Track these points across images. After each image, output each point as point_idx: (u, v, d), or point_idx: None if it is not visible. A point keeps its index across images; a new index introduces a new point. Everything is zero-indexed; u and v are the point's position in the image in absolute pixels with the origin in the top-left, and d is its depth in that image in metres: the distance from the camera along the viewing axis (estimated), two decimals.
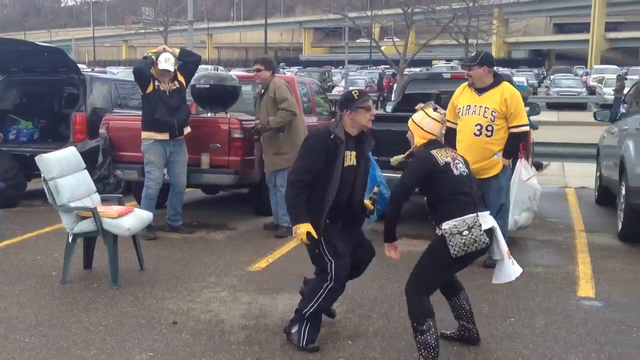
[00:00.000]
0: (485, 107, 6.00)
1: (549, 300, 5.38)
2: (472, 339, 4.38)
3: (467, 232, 3.92)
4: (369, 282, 5.76)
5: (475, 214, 4.01)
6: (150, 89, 7.10)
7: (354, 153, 4.36)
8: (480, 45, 58.51)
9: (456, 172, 4.09)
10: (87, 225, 5.62)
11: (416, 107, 4.38)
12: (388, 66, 35.25)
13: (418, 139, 4.26)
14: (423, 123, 4.23)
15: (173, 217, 7.48)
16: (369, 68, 49.92)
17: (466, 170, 4.17)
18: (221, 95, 8.04)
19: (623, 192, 7.21)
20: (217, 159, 7.66)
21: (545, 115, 25.94)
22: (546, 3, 78.00)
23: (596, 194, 9.57)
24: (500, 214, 6.06)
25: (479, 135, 6.01)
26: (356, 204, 4.43)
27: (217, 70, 25.20)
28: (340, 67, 40.43)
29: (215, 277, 5.90)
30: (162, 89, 7.13)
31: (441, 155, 4.12)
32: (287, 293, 5.44)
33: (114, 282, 5.57)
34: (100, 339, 4.48)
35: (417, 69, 34.97)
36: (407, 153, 4.59)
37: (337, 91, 32.90)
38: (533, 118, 11.83)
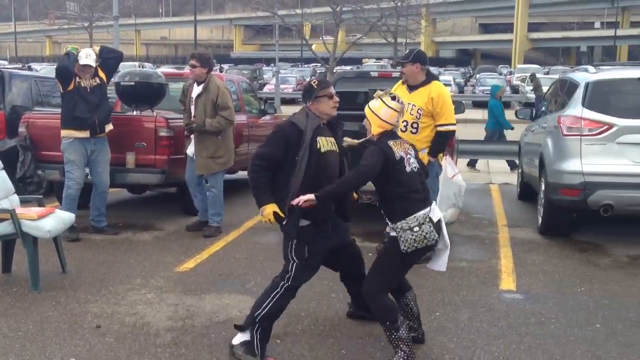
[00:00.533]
0: (413, 105, 6.10)
1: (473, 294, 5.52)
2: (417, 339, 4.38)
3: (417, 228, 3.96)
4: None
5: (427, 210, 4.05)
6: (71, 86, 6.90)
7: (331, 139, 4.30)
8: (409, 44, 59.54)
9: (408, 169, 4.10)
10: (5, 228, 5.41)
11: (374, 95, 4.31)
12: (319, 64, 35.40)
13: (375, 128, 4.17)
14: (381, 112, 4.15)
15: (97, 218, 7.29)
16: (300, 66, 50.01)
17: (417, 165, 4.18)
18: (147, 93, 7.88)
19: (543, 187, 7.46)
20: (143, 158, 7.51)
21: (472, 114, 26.59)
22: (471, 3, 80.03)
23: (518, 189, 9.88)
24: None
25: (404, 132, 6.11)
26: (349, 194, 4.40)
27: (143, 67, 24.72)
28: (272, 64, 40.29)
29: (141, 278, 5.79)
30: (82, 85, 6.93)
31: (397, 149, 4.10)
32: (215, 293, 5.39)
33: (34, 286, 5.38)
34: (20, 345, 4.33)
35: (348, 67, 35.22)
36: (362, 140, 4.49)
37: (268, 89, 32.81)
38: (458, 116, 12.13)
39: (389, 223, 4.13)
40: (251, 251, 6.69)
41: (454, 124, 6.29)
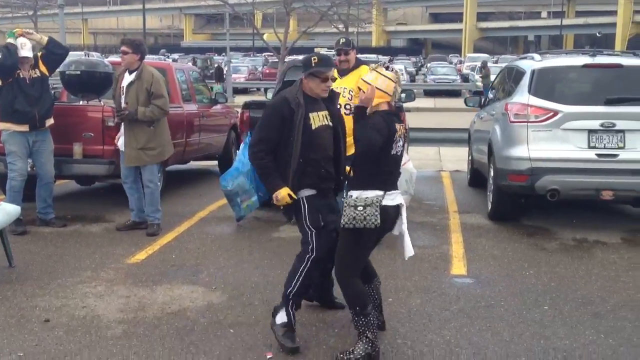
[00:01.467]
0: (344, 87, 6.17)
1: (425, 279, 5.59)
2: (378, 326, 4.30)
3: (361, 207, 3.92)
4: (251, 269, 5.76)
5: (381, 193, 3.99)
6: (10, 78, 6.68)
7: (324, 113, 4.27)
8: (360, 34, 59.71)
9: (392, 152, 4.05)
10: None
11: (369, 68, 4.28)
12: (271, 54, 35.26)
13: (375, 99, 4.03)
14: (378, 82, 4.04)
15: (44, 210, 7.12)
16: (252, 55, 49.65)
17: (400, 149, 4.12)
18: (93, 82, 7.69)
19: (492, 174, 7.59)
20: (90, 148, 7.36)
21: (423, 102, 26.90)
22: None
23: (469, 176, 10.03)
24: None
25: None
26: (343, 166, 4.39)
27: (88, 56, 24.16)
28: (223, 54, 39.91)
29: (91, 271, 5.68)
30: (21, 76, 6.71)
31: (399, 134, 4.05)
32: (167, 285, 5.33)
33: None
34: None
35: (300, 57, 35.19)
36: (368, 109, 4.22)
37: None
38: (409, 105, 12.23)
39: (345, 187, 4.09)
40: (204, 241, 6.63)
41: None
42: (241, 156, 7.13)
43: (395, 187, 4.16)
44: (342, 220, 3.97)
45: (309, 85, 4.23)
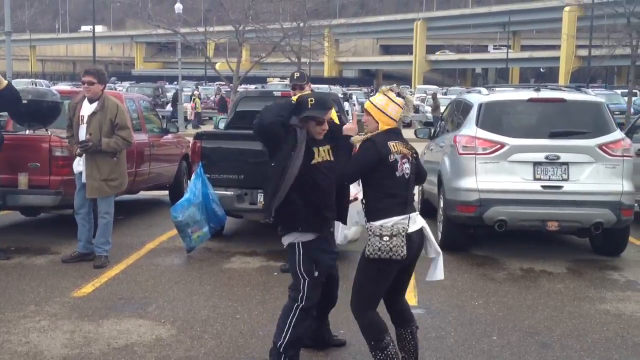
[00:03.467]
0: None
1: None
2: None
3: (387, 238, 3.83)
4: (201, 301, 5.67)
5: (406, 217, 3.92)
6: None
7: (326, 147, 4.17)
8: (312, 64, 60.22)
9: (398, 174, 3.97)
10: None
11: (380, 89, 4.16)
12: (224, 83, 35.26)
13: (382, 125, 3.98)
14: (388, 109, 3.99)
15: None
16: (204, 84, 49.50)
17: (409, 171, 4.02)
18: (40, 112, 7.54)
19: (441, 204, 7.70)
20: (36, 178, 7.19)
21: None
22: (372, 26, 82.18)
23: (419, 207, 10.13)
24: None
25: None
26: (347, 203, 4.33)
27: (36, 85, 23.73)
28: (175, 82, 39.73)
29: (34, 305, 5.51)
30: None
31: (395, 150, 3.95)
32: (114, 318, 5.21)
33: None
34: None
35: (253, 86, 35.19)
36: (366, 136, 4.14)
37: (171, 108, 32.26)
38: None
39: (365, 219, 3.99)
40: (153, 273, 6.51)
41: None
42: (192, 186, 7.06)
43: (413, 210, 4.05)
44: (366, 250, 3.88)
45: (306, 126, 4.12)
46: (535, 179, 6.99)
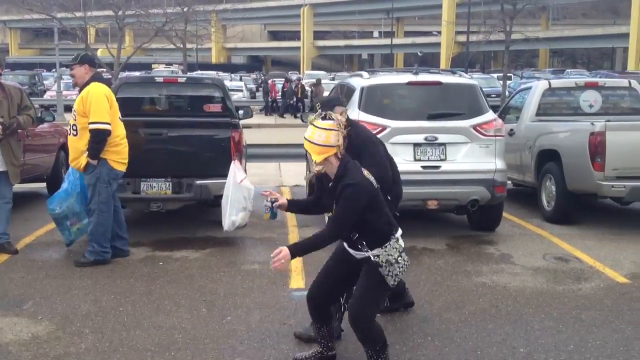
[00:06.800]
0: (74, 108, 6.23)
1: (264, 295, 5.62)
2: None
3: (401, 259, 3.86)
4: (81, 295, 5.48)
5: (397, 234, 3.92)
6: None
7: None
8: (200, 50, 59.21)
9: (381, 196, 3.90)
10: None
11: (308, 119, 3.93)
12: (104, 70, 33.95)
13: (317, 156, 3.80)
14: (315, 138, 3.76)
15: None
16: None
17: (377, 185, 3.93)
18: None
19: None
20: None
21: (264, 119, 27.21)
22: (259, 11, 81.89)
23: (307, 190, 10.22)
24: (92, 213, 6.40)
25: (69, 134, 6.39)
26: None
27: None
28: (53, 70, 37.87)
29: None
30: None
31: (369, 176, 3.84)
32: None
33: None
34: None
35: (137, 73, 34.17)
36: (315, 173, 4.02)
37: (50, 95, 30.74)
38: (249, 121, 12.28)
39: (368, 250, 3.85)
40: (29, 269, 6.20)
41: (102, 122, 6.17)
42: (70, 177, 6.77)
43: (397, 226, 4.01)
44: (391, 282, 3.84)
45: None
46: (415, 159, 7.22)
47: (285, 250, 3.74)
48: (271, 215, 4.15)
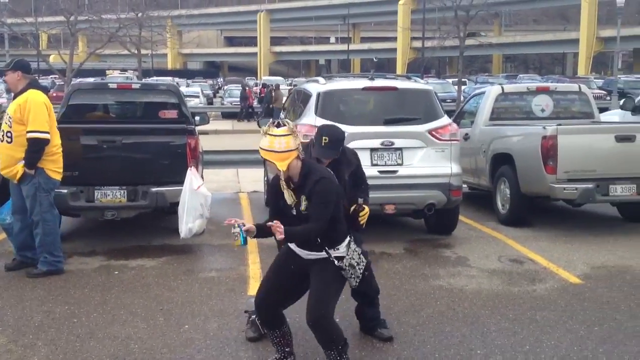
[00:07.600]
0: (8, 114, 6.12)
1: (222, 302, 5.57)
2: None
3: (359, 260, 4.01)
4: (34, 307, 5.35)
5: (351, 236, 4.09)
6: None
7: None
8: (155, 56, 58.61)
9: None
10: None
11: (262, 131, 3.96)
12: (57, 76, 33.31)
13: (281, 164, 3.87)
14: (275, 146, 3.85)
15: None
16: (38, 78, 46.57)
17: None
18: None
19: None
20: None
21: (221, 124, 27.01)
22: (215, 17, 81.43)
23: (265, 196, 10.19)
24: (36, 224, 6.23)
25: (2, 141, 6.15)
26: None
27: None
28: (2, 77, 37.08)
29: None
30: None
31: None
32: None
33: None
34: None
35: (91, 79, 33.64)
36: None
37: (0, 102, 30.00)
38: (206, 127, 12.17)
39: (328, 249, 3.98)
40: None
41: (41, 132, 6.06)
42: None
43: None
44: (353, 284, 4.04)
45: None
46: (372, 164, 7.25)
47: (282, 228, 3.82)
48: (242, 241, 3.96)
